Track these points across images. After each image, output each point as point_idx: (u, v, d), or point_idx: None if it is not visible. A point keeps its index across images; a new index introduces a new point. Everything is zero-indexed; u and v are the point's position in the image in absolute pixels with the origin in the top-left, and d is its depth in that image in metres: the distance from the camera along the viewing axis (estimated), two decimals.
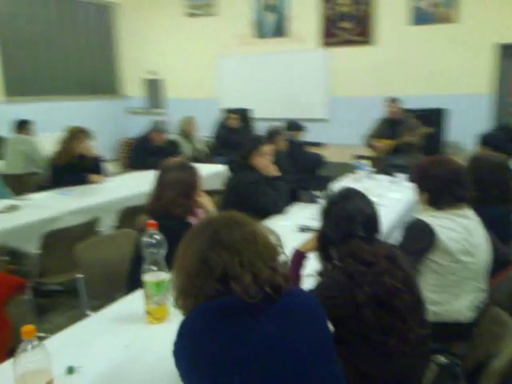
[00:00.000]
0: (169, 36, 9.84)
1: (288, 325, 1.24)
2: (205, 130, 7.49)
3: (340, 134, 8.22)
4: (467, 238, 2.18)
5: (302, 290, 1.52)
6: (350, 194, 1.84)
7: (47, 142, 4.87)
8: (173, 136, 6.33)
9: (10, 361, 1.33)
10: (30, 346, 1.25)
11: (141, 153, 5.45)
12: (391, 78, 7.94)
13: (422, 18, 7.74)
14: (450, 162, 2.37)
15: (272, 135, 4.55)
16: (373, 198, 3.40)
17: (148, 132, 5.68)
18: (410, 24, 7.84)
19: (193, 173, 2.50)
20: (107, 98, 10.25)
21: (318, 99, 8.70)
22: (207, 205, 2.56)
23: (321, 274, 1.83)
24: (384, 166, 5.45)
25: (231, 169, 3.57)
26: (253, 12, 9.07)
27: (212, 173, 5.05)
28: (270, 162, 3.45)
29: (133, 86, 10.46)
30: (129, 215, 3.50)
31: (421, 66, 7.76)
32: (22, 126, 5.83)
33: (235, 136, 6.63)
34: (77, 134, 4.48)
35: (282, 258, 1.32)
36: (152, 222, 1.87)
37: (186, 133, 6.50)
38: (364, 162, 4.66)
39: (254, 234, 1.28)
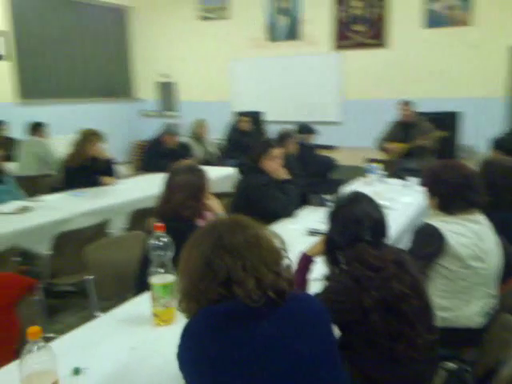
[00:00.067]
0: (182, 39, 9.88)
1: (291, 329, 1.23)
2: (217, 133, 7.52)
3: (352, 137, 8.19)
4: (478, 243, 2.15)
5: (306, 294, 1.51)
6: (358, 198, 1.83)
7: (61, 145, 4.92)
8: (184, 139, 6.36)
9: (17, 362, 1.34)
10: (35, 347, 1.25)
11: (153, 155, 5.48)
12: (404, 80, 7.90)
13: (435, 20, 7.68)
14: (461, 166, 2.34)
15: (282, 138, 4.55)
16: (383, 202, 3.40)
17: (160, 135, 5.72)
18: (423, 27, 7.78)
19: (201, 175, 2.51)
20: (121, 100, 10.33)
21: (331, 102, 8.68)
22: (216, 207, 2.56)
23: (328, 278, 1.82)
24: (396, 169, 5.42)
25: (241, 171, 3.57)
26: (266, 15, 9.08)
27: (223, 175, 5.06)
28: (280, 165, 3.44)
29: (146, 89, 10.53)
30: (139, 217, 3.52)
31: (434, 69, 7.70)
32: (36, 128, 5.89)
33: (247, 139, 6.64)
34: (89, 137, 4.52)
35: (286, 262, 1.32)
36: (159, 224, 1.87)
37: (198, 135, 6.53)
38: (375, 165, 4.64)
39: (257, 238, 1.28)
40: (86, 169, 4.47)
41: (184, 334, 1.24)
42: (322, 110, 8.70)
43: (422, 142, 5.76)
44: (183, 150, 5.84)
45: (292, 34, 8.94)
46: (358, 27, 8.33)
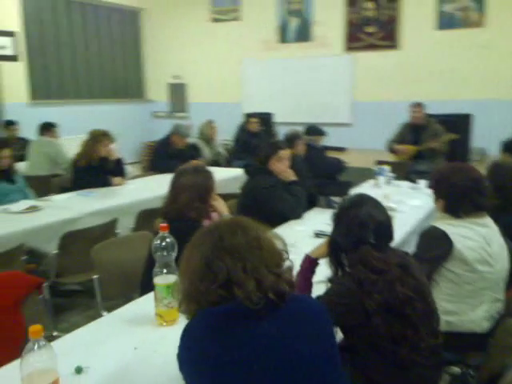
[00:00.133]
0: (194, 41, 9.92)
1: (291, 329, 1.23)
2: (228, 134, 7.53)
3: (363, 139, 8.15)
4: (484, 246, 2.13)
5: (307, 295, 1.51)
6: (363, 201, 1.82)
7: (72, 145, 4.95)
8: (194, 140, 6.37)
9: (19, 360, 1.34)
10: (36, 346, 1.26)
11: (162, 156, 5.50)
12: (415, 82, 7.84)
13: (447, 22, 7.63)
14: (470, 169, 2.32)
15: (291, 139, 4.53)
16: (392, 205, 3.38)
17: (169, 135, 5.73)
18: (435, 28, 7.73)
19: (207, 177, 2.51)
20: (133, 101, 10.39)
21: (341, 104, 8.65)
22: (222, 209, 2.56)
23: (331, 280, 1.81)
24: (407, 172, 5.38)
25: (247, 172, 3.57)
26: (277, 17, 9.08)
27: (231, 177, 5.07)
28: (287, 166, 3.44)
29: (158, 91, 10.58)
30: (147, 217, 3.53)
31: (446, 71, 7.64)
32: (47, 128, 5.94)
33: (256, 140, 6.63)
34: (99, 137, 4.55)
35: (287, 263, 1.31)
36: (164, 224, 1.88)
37: (207, 137, 6.54)
38: (385, 167, 4.61)
39: (258, 240, 1.27)
40: (95, 169, 4.50)
41: (184, 335, 1.24)
42: (332, 111, 8.68)
43: (433, 145, 5.72)
44: (192, 151, 5.86)
45: (303, 35, 8.93)
46: (370, 29, 8.30)
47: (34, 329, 1.26)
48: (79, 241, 3.20)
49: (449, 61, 7.62)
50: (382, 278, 1.63)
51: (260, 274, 1.22)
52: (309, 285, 1.91)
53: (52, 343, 1.62)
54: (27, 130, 6.66)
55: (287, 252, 1.34)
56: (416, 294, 1.65)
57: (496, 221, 2.25)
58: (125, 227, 3.68)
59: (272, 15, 9.08)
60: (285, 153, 3.42)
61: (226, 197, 2.84)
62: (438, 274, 2.16)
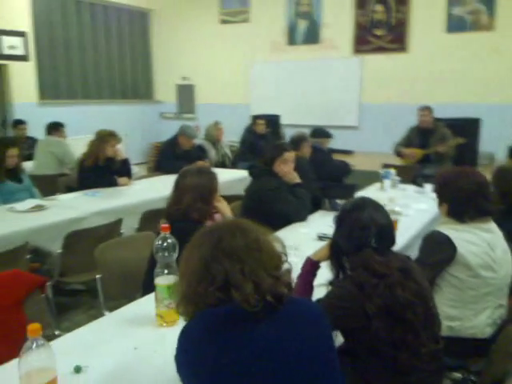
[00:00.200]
0: (202, 42, 9.94)
1: (289, 331, 1.23)
2: (235, 136, 7.54)
3: (370, 142, 8.13)
4: (488, 252, 2.11)
5: (305, 298, 1.50)
6: (365, 204, 1.81)
7: (80, 145, 4.97)
8: (200, 141, 6.38)
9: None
10: (34, 345, 1.26)
11: (168, 157, 5.51)
12: (424, 86, 7.80)
13: (457, 25, 7.59)
14: (475, 174, 2.30)
15: (297, 142, 4.53)
16: (397, 208, 3.36)
17: (176, 136, 5.74)
18: (444, 32, 7.69)
19: (211, 178, 2.51)
20: (142, 102, 10.44)
21: (349, 106, 8.63)
22: (225, 210, 2.56)
23: (332, 283, 1.80)
24: (414, 175, 5.35)
25: (251, 174, 3.57)
26: (286, 19, 9.08)
27: (236, 178, 5.06)
28: (292, 169, 3.43)
29: (167, 92, 10.61)
30: (151, 218, 3.54)
31: (454, 75, 7.60)
32: (55, 128, 5.96)
33: (262, 142, 6.63)
34: (106, 137, 4.57)
35: (285, 266, 1.31)
36: (165, 225, 1.88)
37: (213, 138, 6.54)
38: (391, 170, 4.59)
39: (257, 242, 1.27)
40: (101, 169, 4.52)
41: (181, 337, 1.24)
42: (340, 114, 8.66)
43: (441, 149, 5.69)
44: (198, 152, 5.86)
45: (312, 37, 8.92)
46: (379, 31, 8.28)
47: (33, 327, 1.26)
48: (83, 240, 3.21)
49: (458, 64, 7.57)
50: (383, 281, 1.62)
51: (258, 277, 1.21)
52: (309, 288, 1.90)
53: (52, 342, 1.63)
54: (36, 129, 6.70)
55: (286, 254, 1.33)
56: (417, 299, 1.64)
57: (500, 226, 2.23)
58: (129, 227, 3.69)
59: (281, 17, 9.09)
60: (290, 155, 3.42)
61: (230, 198, 2.84)
62: (441, 278, 2.15)
